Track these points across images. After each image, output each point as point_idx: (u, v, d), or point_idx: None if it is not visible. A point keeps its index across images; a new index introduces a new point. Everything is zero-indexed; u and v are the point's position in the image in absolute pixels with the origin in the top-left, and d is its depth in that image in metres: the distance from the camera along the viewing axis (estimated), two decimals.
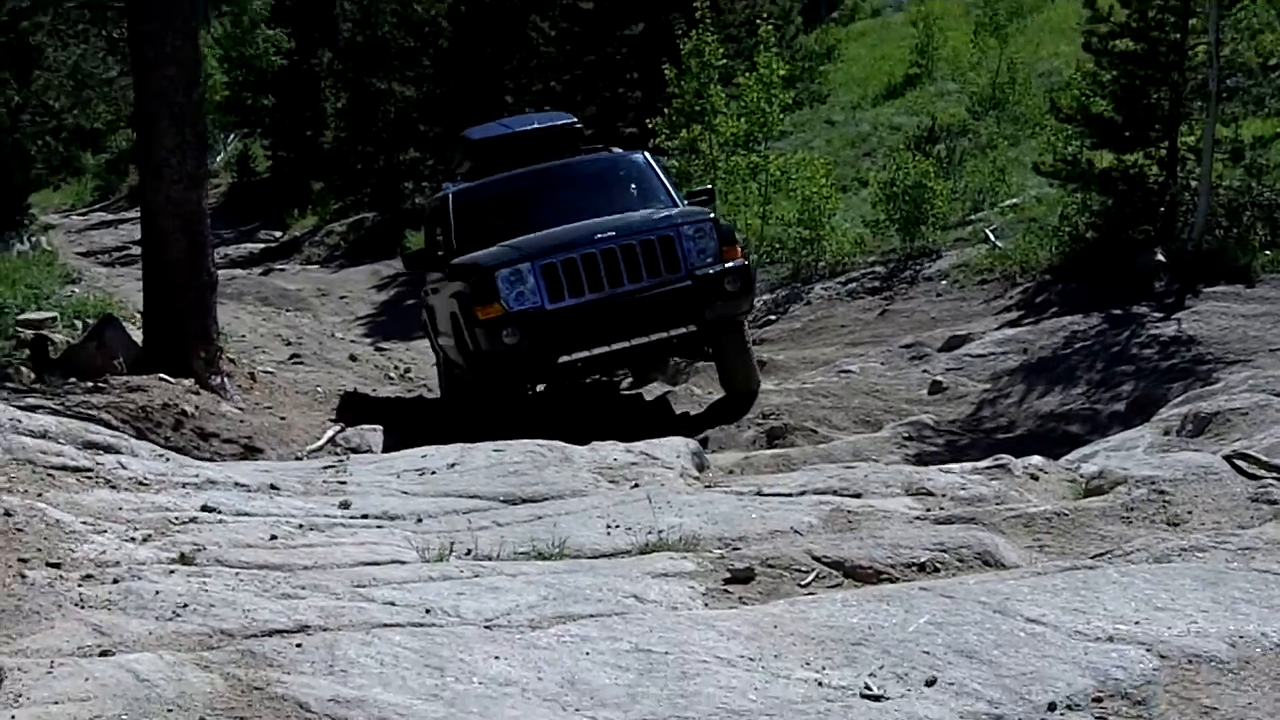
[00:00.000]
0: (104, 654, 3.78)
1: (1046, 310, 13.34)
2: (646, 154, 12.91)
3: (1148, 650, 3.76)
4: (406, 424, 11.53)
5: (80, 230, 35.75)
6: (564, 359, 10.46)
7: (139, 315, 14.18)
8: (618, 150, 13.16)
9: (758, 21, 19.92)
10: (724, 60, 18.39)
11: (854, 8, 37.10)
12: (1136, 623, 3.95)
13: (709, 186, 13.90)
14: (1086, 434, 9.56)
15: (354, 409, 12.30)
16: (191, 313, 11.45)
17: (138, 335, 12.13)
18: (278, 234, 32.49)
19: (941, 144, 20.51)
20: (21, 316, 14.58)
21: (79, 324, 14.42)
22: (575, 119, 13.68)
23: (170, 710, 3.39)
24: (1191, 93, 13.73)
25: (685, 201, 11.89)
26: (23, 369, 11.85)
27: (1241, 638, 3.83)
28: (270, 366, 14.00)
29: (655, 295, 10.46)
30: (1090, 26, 14.64)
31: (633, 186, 12.05)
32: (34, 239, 21.79)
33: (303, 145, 35.40)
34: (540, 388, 12.09)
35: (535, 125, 13.35)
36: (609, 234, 10.53)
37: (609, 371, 12.15)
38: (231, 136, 41.24)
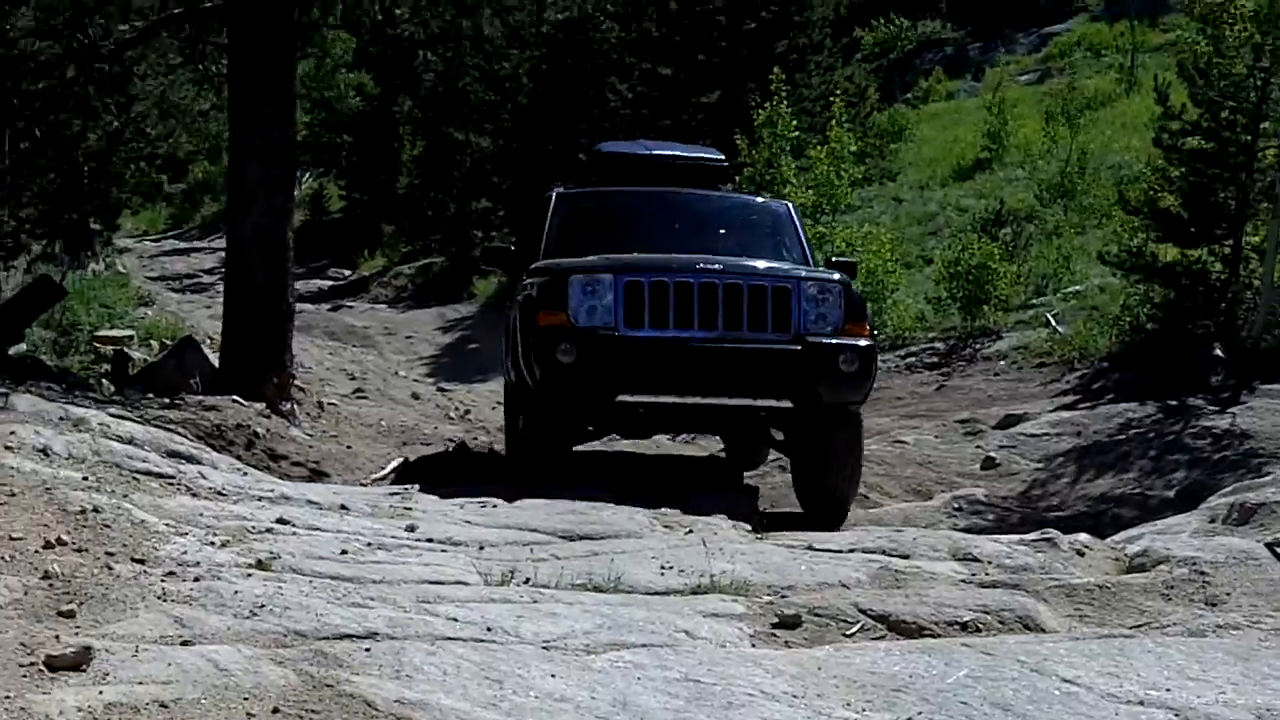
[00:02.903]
0: (185, 644, 4.00)
1: (1103, 396, 13.41)
2: (790, 205, 11.15)
3: (1176, 715, 3.88)
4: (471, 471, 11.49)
5: (153, 256, 36.37)
6: (624, 399, 8.58)
7: (209, 340, 14.60)
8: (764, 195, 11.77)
9: (832, 98, 20.23)
10: (796, 133, 18.62)
11: (928, 90, 37.37)
12: (1168, 690, 4.06)
13: (855, 260, 11.72)
14: (1135, 518, 9.55)
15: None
16: (268, 340, 11.75)
17: (212, 358, 12.46)
18: (346, 272, 33.01)
19: (1008, 228, 20.62)
20: (99, 333, 15.06)
21: (154, 344, 14.85)
22: (724, 157, 11.92)
23: (246, 699, 3.58)
24: (1259, 194, 13.85)
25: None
26: (103, 381, 12.25)
27: (1269, 710, 3.93)
28: (335, 398, 14.28)
29: (752, 353, 8.54)
30: (1162, 123, 14.83)
31: (766, 235, 10.33)
32: (109, 261, 22.32)
33: (376, 188, 35.99)
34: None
35: (677, 153, 11.75)
36: (714, 267, 8.72)
37: (676, 430, 10.20)
38: (307, 174, 41.92)
